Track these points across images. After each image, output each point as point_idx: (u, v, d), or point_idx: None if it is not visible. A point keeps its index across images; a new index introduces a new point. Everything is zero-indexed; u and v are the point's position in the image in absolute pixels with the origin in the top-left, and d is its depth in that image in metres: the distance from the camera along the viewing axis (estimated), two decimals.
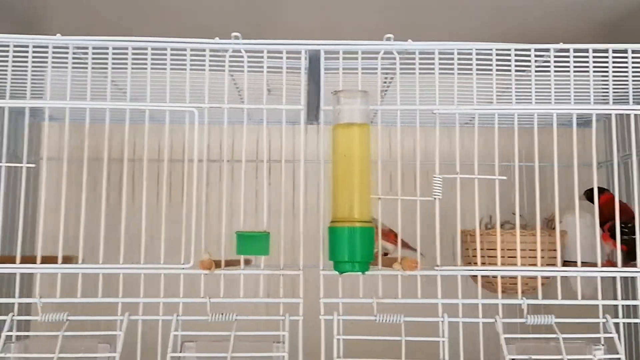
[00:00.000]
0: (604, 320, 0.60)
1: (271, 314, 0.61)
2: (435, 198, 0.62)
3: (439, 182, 0.62)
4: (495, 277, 0.80)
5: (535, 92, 0.67)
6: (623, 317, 0.62)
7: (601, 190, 0.80)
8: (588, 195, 0.82)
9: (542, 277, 0.84)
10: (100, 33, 0.64)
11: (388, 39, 0.64)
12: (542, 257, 0.76)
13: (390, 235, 0.80)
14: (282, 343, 0.57)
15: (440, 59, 0.64)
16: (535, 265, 0.70)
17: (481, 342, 0.60)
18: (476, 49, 0.64)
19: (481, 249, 0.83)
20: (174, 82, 0.64)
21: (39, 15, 0.81)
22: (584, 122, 0.82)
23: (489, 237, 0.85)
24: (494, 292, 0.88)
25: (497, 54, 0.64)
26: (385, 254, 0.84)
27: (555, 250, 0.83)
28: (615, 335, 0.58)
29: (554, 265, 0.77)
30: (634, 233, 0.74)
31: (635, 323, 0.62)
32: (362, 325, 0.60)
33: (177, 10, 0.82)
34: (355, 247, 0.58)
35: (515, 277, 0.82)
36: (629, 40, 0.65)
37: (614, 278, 0.65)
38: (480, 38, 0.66)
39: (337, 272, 0.59)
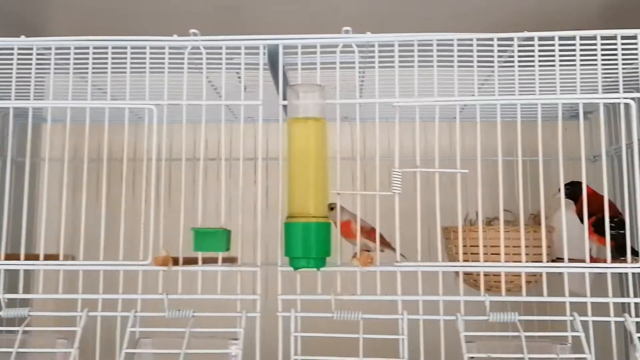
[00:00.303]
0: (572, 318, 0.58)
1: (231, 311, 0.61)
2: (394, 193, 0.61)
3: (398, 176, 0.60)
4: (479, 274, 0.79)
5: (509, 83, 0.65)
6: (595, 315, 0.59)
7: (578, 185, 0.77)
8: (567, 191, 0.80)
9: (528, 275, 0.82)
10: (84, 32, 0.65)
11: (346, 31, 0.63)
12: (527, 254, 0.74)
13: (371, 233, 0.79)
14: (238, 340, 0.57)
15: (409, 51, 0.63)
16: (519, 261, 0.68)
17: (442, 340, 0.58)
18: (437, 40, 0.62)
19: (463, 246, 0.82)
20: (154, 81, 0.64)
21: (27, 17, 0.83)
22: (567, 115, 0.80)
23: (470, 233, 0.83)
24: (473, 287, 0.86)
25: (462, 45, 0.63)
26: (367, 251, 0.83)
27: (541, 247, 0.81)
28: (582, 334, 0.56)
29: (540, 262, 0.74)
30: (622, 228, 0.71)
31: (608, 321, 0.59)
32: (326, 322, 0.59)
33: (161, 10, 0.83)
34: (310, 242, 0.57)
35: (499, 275, 0.80)
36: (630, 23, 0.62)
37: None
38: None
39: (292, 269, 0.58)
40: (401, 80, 0.63)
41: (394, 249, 0.75)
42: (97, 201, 0.63)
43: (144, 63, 0.64)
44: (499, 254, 0.71)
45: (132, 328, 0.58)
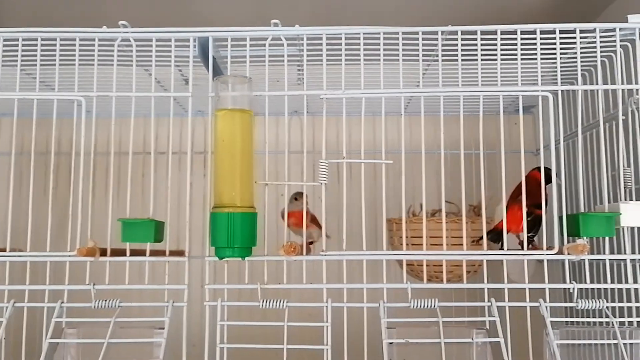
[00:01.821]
0: (489, 304, 0.60)
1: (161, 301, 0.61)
2: (321, 183, 0.62)
3: (324, 167, 0.62)
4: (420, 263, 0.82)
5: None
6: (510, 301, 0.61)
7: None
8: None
9: (468, 264, 0.84)
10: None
11: (275, 24, 0.63)
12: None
13: (313, 221, 0.81)
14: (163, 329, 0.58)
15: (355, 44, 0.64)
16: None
17: (365, 326, 0.60)
18: (364, 33, 0.63)
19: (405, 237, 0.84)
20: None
21: None
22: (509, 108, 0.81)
23: (412, 224, 0.85)
24: (417, 277, 0.88)
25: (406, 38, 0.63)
26: (311, 242, 0.84)
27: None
28: (497, 319, 0.58)
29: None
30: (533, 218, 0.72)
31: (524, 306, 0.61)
32: (260, 311, 0.59)
33: None
34: (235, 232, 0.58)
35: (439, 265, 0.83)
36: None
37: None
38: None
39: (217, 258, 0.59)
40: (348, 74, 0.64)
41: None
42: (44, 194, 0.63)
43: (90, 54, 0.64)
44: (438, 244, 0.73)
45: (57, 318, 0.58)
